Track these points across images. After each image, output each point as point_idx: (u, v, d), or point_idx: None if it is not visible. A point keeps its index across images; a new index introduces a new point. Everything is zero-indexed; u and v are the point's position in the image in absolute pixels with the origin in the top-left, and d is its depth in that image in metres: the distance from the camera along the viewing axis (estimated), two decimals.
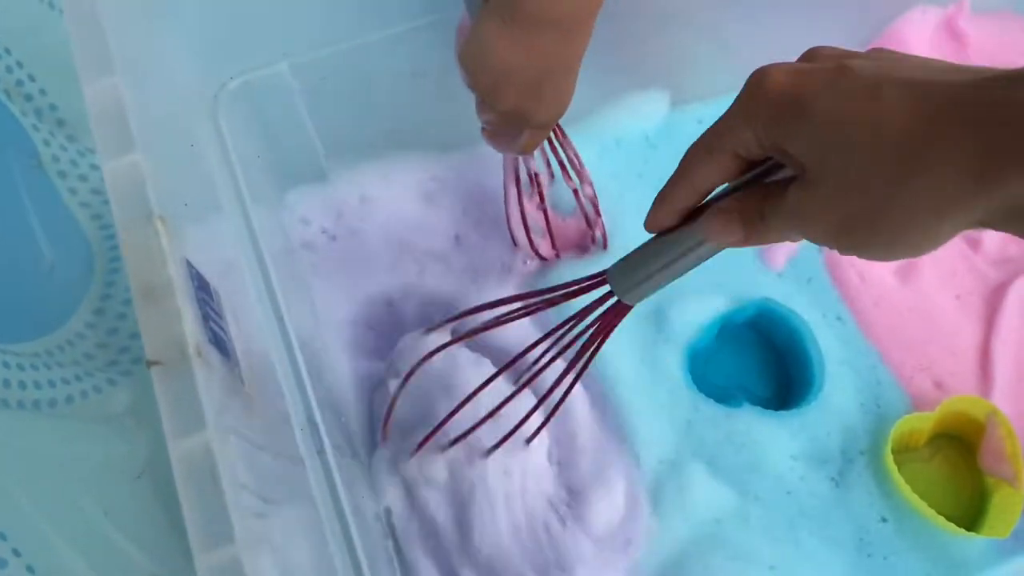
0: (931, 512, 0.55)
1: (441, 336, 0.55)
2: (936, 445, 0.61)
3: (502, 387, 0.52)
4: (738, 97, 0.35)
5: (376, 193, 0.65)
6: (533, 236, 0.62)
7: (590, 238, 0.64)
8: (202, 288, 0.32)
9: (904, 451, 0.60)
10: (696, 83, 0.72)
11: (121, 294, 0.65)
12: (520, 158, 0.58)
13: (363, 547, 0.41)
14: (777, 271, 0.65)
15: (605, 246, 0.64)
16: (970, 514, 0.58)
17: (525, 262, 0.64)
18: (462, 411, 0.50)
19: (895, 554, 0.55)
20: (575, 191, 0.61)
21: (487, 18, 0.46)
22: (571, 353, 0.47)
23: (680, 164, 0.38)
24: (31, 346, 0.58)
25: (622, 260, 0.43)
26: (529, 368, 0.51)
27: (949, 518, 0.56)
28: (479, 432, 0.52)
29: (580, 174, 0.61)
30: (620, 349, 0.60)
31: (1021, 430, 0.58)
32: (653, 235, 0.41)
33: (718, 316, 0.63)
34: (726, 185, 0.38)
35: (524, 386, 0.51)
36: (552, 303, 0.48)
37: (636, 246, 0.42)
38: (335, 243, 0.62)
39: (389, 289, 0.63)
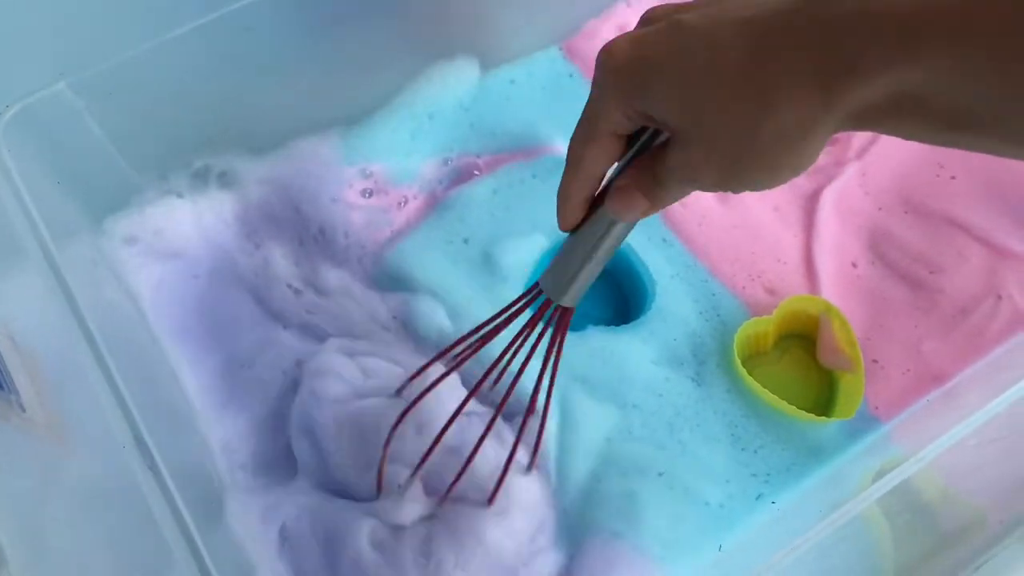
0: (784, 404, 0.58)
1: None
2: (782, 347, 0.64)
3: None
4: (593, 80, 0.36)
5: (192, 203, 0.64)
6: None
7: None
8: None
9: (754, 356, 0.63)
10: (503, 46, 0.73)
11: None
12: None
13: None
14: None
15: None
16: (821, 403, 0.61)
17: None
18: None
19: (764, 446, 0.59)
20: None
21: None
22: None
23: (567, 159, 0.39)
24: None
25: (549, 267, 0.44)
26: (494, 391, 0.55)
27: (810, 408, 0.59)
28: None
29: None
30: (463, 299, 0.62)
31: (850, 321, 0.61)
32: (568, 234, 0.42)
33: (544, 252, 0.65)
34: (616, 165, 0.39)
35: (499, 410, 0.52)
36: (498, 330, 0.49)
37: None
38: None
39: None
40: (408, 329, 0.62)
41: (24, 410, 0.31)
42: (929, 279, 0.64)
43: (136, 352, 0.56)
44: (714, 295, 0.64)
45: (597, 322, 0.63)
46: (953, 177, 0.68)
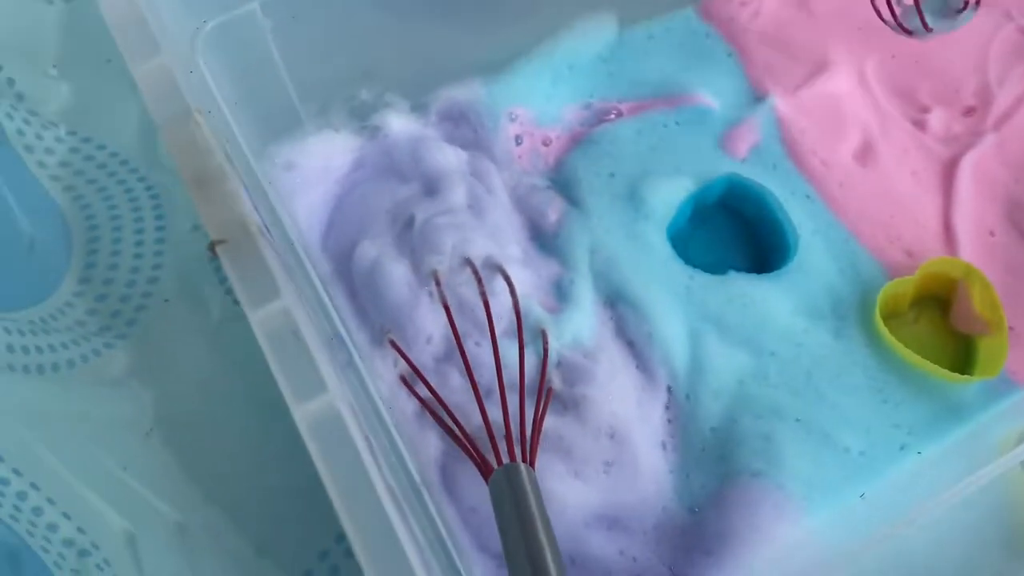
0: (925, 363, 0.59)
1: None
2: (919, 308, 0.65)
3: None
4: None
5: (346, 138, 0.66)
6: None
7: None
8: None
9: (891, 317, 0.63)
10: (640, 3, 0.75)
11: (104, 260, 0.64)
12: None
13: None
14: (740, 159, 0.68)
15: None
16: (957, 366, 0.61)
17: None
18: None
19: (904, 401, 0.59)
20: None
21: None
22: None
23: None
24: (26, 314, 0.58)
25: None
26: None
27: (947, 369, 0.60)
28: None
29: None
30: (607, 227, 0.64)
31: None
32: None
33: (689, 196, 0.66)
34: None
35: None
36: None
37: None
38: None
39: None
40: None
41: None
42: None
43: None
44: (854, 254, 0.65)
45: (738, 269, 0.64)
46: None
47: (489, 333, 0.55)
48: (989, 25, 0.75)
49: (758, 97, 0.72)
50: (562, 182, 0.68)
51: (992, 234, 0.67)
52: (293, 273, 0.41)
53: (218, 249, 0.30)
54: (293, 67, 0.59)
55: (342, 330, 0.43)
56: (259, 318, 0.27)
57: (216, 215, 0.30)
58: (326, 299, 0.44)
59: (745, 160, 0.69)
